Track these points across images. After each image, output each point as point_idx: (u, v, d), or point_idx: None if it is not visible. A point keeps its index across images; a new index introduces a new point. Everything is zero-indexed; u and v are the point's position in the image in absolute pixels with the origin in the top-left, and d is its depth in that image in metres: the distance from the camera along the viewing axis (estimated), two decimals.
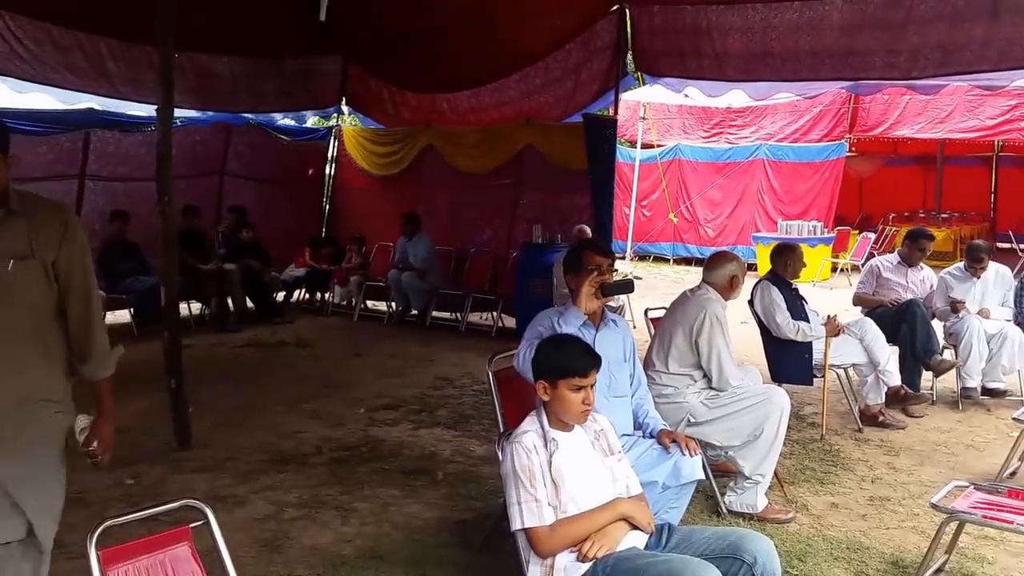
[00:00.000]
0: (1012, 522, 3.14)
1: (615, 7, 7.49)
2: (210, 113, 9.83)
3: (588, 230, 7.64)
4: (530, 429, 2.70)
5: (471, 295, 8.89)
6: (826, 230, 13.27)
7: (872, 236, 13.24)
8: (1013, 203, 15.65)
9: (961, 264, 6.56)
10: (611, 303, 6.68)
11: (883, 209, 15.55)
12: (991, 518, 3.20)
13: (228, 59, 8.97)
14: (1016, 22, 5.39)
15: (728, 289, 4.37)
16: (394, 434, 5.35)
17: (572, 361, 2.69)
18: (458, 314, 9.10)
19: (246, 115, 10.07)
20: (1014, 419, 4.53)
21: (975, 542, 3.79)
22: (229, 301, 8.95)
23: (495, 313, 8.85)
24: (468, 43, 7.83)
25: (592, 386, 2.71)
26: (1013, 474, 4.63)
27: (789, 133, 13.97)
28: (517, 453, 2.61)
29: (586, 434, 2.77)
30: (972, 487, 3.46)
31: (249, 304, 9.23)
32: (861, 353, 5.62)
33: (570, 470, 2.63)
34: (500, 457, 2.87)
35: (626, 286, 3.54)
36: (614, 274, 3.60)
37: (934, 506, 3.26)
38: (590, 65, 8.06)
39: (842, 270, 13.06)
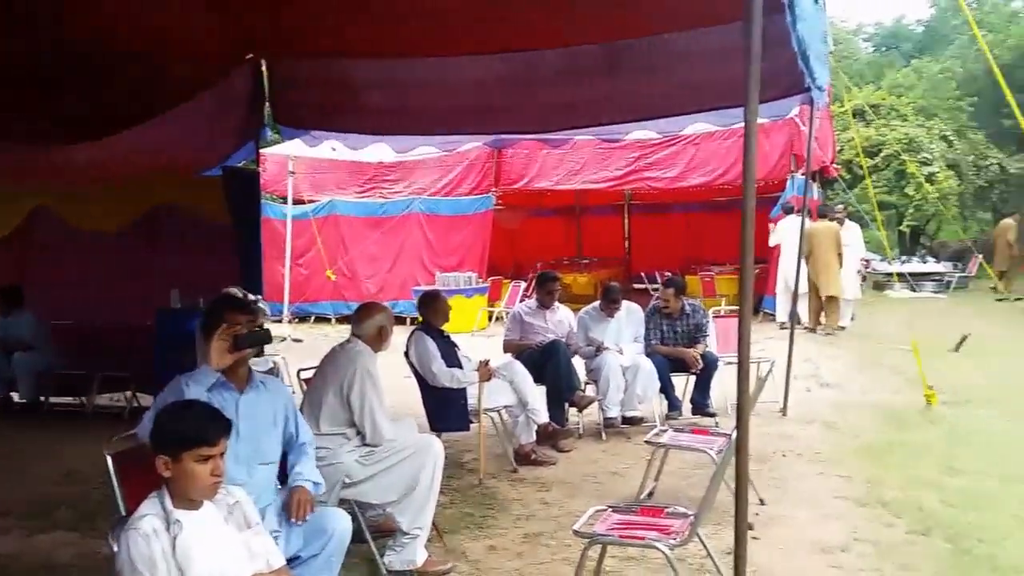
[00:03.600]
0: (644, 538, 3.53)
1: (249, 56, 7.41)
2: None
3: (237, 292, 7.36)
4: (149, 512, 2.50)
5: (100, 373, 8.11)
6: (481, 280, 14.17)
7: (523, 284, 14.37)
8: (644, 247, 17.98)
9: (597, 304, 7.35)
10: (261, 366, 6.49)
11: (533, 258, 16.96)
12: (625, 536, 3.57)
13: None
14: (631, 79, 6.21)
15: (377, 340, 4.46)
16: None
17: (196, 429, 2.55)
18: (83, 398, 8.24)
19: None
20: (646, 442, 5.15)
21: (620, 564, 4.19)
22: None
23: (128, 393, 8.15)
24: (88, 90, 7.23)
25: (222, 455, 2.59)
26: (651, 494, 5.22)
27: (441, 187, 14.76)
28: (133, 541, 2.41)
29: (218, 509, 2.63)
30: (610, 510, 3.82)
31: None
32: (512, 395, 6.04)
33: (199, 551, 2.48)
34: (115, 549, 2.63)
35: (262, 337, 3.45)
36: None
37: (576, 532, 3.56)
38: (227, 116, 7.83)
39: (498, 318, 14.00)
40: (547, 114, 6.92)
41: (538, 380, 6.42)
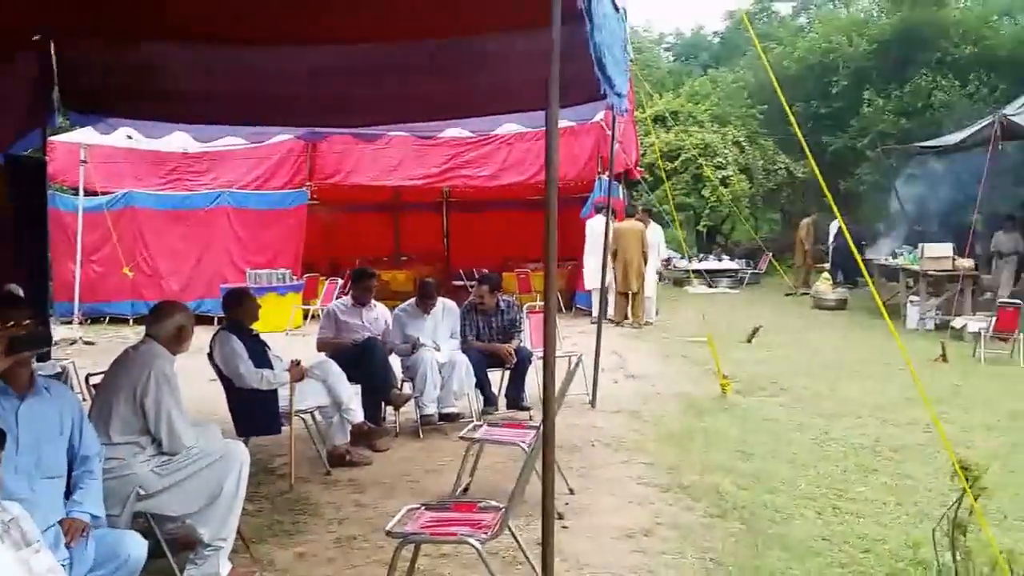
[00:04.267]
0: (456, 534, 3.54)
1: (37, 37, 6.80)
2: None
3: (17, 289, 6.74)
4: None
5: None
6: (295, 277, 13.78)
7: (340, 282, 14.10)
8: (463, 244, 18.13)
9: (413, 301, 7.31)
10: (47, 370, 5.99)
11: (351, 255, 16.68)
12: (437, 533, 3.57)
13: None
14: (446, 79, 6.19)
15: (176, 342, 4.21)
16: None
17: None
18: None
19: None
20: (461, 438, 5.19)
21: (433, 561, 4.19)
22: None
23: None
24: None
25: None
26: (466, 489, 5.27)
27: (251, 180, 14.18)
28: None
29: None
30: (423, 508, 3.81)
31: None
32: (325, 395, 5.90)
33: None
34: None
35: (40, 340, 3.18)
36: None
37: (389, 533, 3.53)
38: (10, 101, 7.15)
39: (314, 316, 13.65)
40: (362, 109, 6.81)
41: (353, 379, 6.31)
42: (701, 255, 22.27)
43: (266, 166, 14.18)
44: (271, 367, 5.57)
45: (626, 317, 13.39)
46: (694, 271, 19.96)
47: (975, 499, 3.70)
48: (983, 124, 13.56)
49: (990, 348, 10.28)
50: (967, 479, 3.61)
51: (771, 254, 21.09)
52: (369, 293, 7.03)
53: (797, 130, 6.22)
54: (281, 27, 5.72)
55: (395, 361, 7.04)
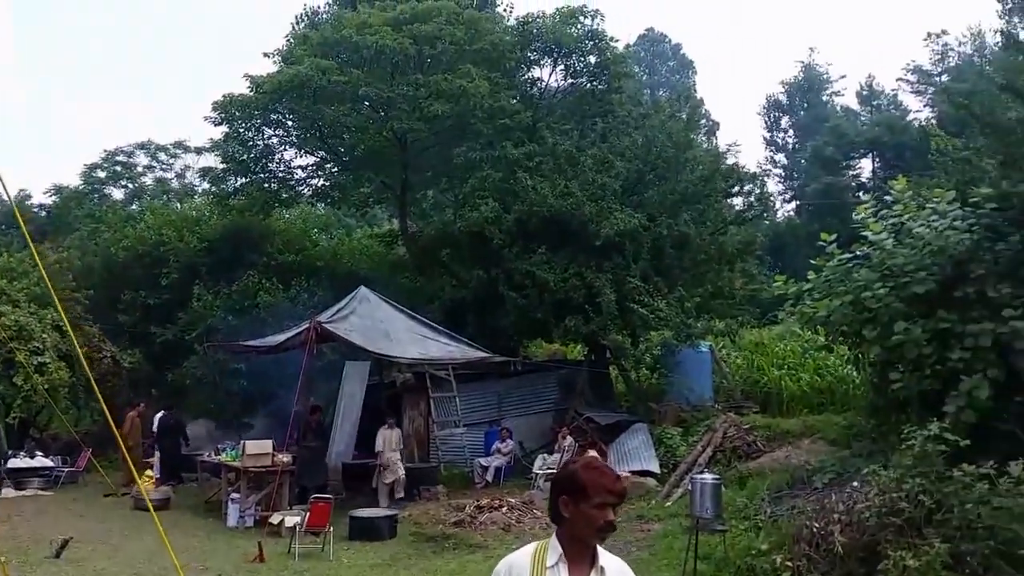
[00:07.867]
0: None
1: None
2: None
3: None
4: None
5: None
6: None
7: None
8: None
9: None
10: None
11: None
12: None
13: None
14: None
15: None
16: None
17: None
18: None
19: None
20: None
21: None
22: None
23: None
24: None
25: None
26: None
27: None
28: None
29: None
30: None
31: None
32: None
33: None
34: None
35: None
36: None
37: None
38: None
39: None
40: None
41: None
42: (12, 451, 19.61)
43: None
44: None
45: None
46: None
47: None
48: (302, 328, 15.00)
49: (303, 543, 10.87)
50: None
51: (91, 449, 19.59)
52: None
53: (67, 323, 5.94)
54: None
55: None
